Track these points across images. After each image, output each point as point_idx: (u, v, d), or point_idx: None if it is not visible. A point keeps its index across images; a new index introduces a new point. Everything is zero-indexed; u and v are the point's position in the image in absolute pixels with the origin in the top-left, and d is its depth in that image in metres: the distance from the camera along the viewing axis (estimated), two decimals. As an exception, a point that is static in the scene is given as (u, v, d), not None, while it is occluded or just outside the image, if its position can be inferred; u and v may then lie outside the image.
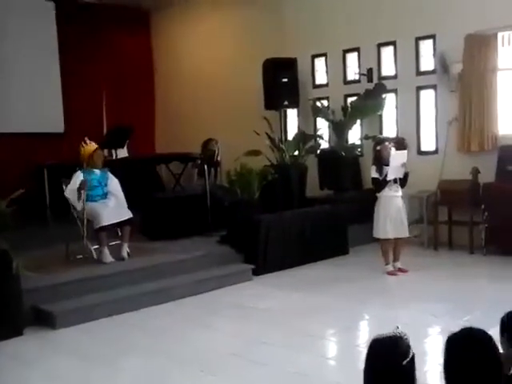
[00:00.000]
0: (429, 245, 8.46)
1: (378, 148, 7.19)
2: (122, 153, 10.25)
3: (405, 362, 2.30)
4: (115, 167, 7.78)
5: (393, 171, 7.00)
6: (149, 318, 5.89)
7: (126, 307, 6.01)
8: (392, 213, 7.09)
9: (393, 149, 7.21)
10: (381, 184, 7.09)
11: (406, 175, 7.11)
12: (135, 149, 10.86)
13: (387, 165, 7.02)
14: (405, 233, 7.23)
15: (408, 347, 2.35)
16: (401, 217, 7.15)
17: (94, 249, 6.85)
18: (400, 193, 7.18)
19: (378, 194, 7.18)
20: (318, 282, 7.04)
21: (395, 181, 7.08)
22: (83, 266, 6.68)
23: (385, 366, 2.33)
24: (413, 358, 2.34)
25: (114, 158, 9.92)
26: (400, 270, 7.25)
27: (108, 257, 6.76)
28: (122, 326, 5.66)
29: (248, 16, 11.03)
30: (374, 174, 7.14)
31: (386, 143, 7.23)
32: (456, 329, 4.59)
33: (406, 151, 7.39)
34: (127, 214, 6.96)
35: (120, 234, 7.17)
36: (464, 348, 2.27)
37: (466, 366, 2.23)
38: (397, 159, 7.00)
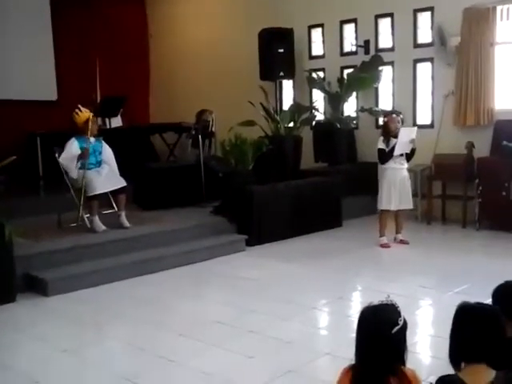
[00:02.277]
0: (422, 219, 8.48)
1: (386, 119, 7.19)
2: (116, 122, 10.17)
3: (394, 330, 2.31)
4: (109, 136, 7.73)
5: (400, 146, 6.99)
6: (140, 287, 5.90)
7: (118, 276, 6.01)
8: (396, 184, 7.11)
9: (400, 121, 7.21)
10: (386, 156, 7.08)
11: (413, 150, 7.12)
12: (129, 118, 10.78)
13: (395, 136, 7.00)
14: (409, 205, 7.25)
15: (398, 316, 2.36)
16: (405, 188, 7.17)
17: (87, 217, 6.83)
18: (406, 165, 7.19)
19: (382, 166, 7.19)
20: (310, 253, 7.06)
21: (401, 154, 7.08)
22: (76, 234, 6.65)
23: (375, 334, 2.34)
24: (404, 327, 2.36)
25: (107, 127, 9.84)
26: (401, 241, 7.29)
27: (100, 225, 6.74)
28: (112, 294, 5.68)
29: (245, -15, 10.87)
30: (381, 145, 7.13)
31: (394, 115, 7.21)
32: (449, 301, 4.62)
33: (415, 127, 7.38)
34: (121, 183, 6.94)
35: (114, 202, 7.16)
36: (473, 319, 2.30)
37: (472, 337, 2.26)
38: (405, 135, 6.99)
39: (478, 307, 2.38)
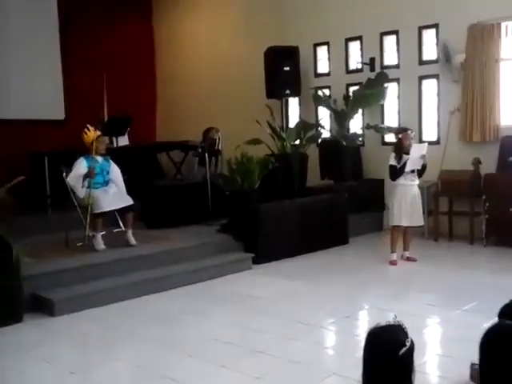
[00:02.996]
0: (429, 235, 8.44)
1: (400, 136, 7.18)
2: (123, 141, 10.23)
3: (402, 352, 2.30)
4: (116, 155, 7.78)
5: (411, 162, 7.00)
6: (147, 306, 5.90)
7: (125, 295, 6.01)
8: (407, 201, 7.09)
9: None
10: (397, 172, 7.08)
11: (424, 167, 7.12)
12: (136, 137, 10.83)
13: (407, 153, 7.01)
14: (419, 221, 7.24)
15: (406, 337, 2.35)
16: (416, 205, 7.15)
17: (91, 235, 6.85)
18: (417, 182, 7.18)
19: (393, 182, 7.19)
20: (317, 271, 7.04)
21: (412, 170, 7.08)
22: (83, 253, 6.68)
23: (382, 356, 2.33)
24: (411, 348, 2.34)
25: (114, 146, 9.89)
26: (409, 258, 7.27)
27: (100, 244, 6.76)
28: (120, 314, 5.67)
29: (250, 3, 10.96)
30: (392, 162, 7.13)
31: (409, 132, 7.20)
32: (457, 319, 4.57)
33: (426, 144, 7.39)
34: (128, 201, 6.98)
35: (120, 221, 7.19)
36: (503, 344, 2.26)
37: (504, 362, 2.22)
38: (416, 151, 7.00)
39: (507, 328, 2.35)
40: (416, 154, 6.99)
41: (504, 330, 2.32)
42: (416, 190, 7.19)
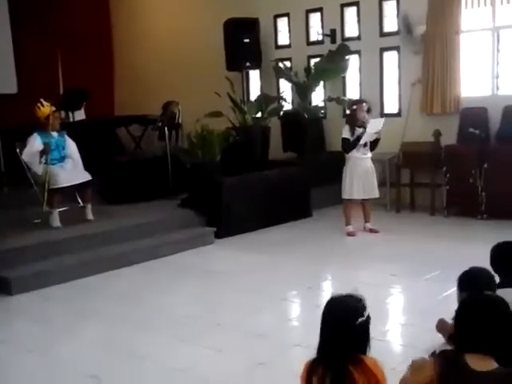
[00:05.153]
0: (391, 207, 8.48)
1: (355, 107, 7.13)
2: (80, 115, 9.97)
3: (359, 321, 2.31)
4: (72, 130, 7.58)
5: (367, 136, 6.98)
6: (108, 283, 5.79)
7: (85, 272, 5.89)
8: (359, 174, 7.09)
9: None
10: (350, 145, 7.05)
11: (376, 141, 7.10)
12: (94, 111, 10.57)
13: (360, 126, 6.97)
14: (373, 194, 7.23)
15: (364, 309, 2.36)
16: (369, 178, 7.15)
17: (48, 211, 6.67)
18: (369, 154, 7.17)
19: (346, 155, 7.15)
20: (280, 244, 7.01)
21: (365, 144, 7.06)
22: (40, 230, 6.50)
23: (339, 322, 2.37)
24: (368, 320, 2.36)
25: (71, 120, 9.64)
26: (371, 230, 7.28)
27: (56, 221, 6.60)
28: (80, 291, 5.56)
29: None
30: (346, 134, 7.09)
31: (364, 104, 7.15)
32: (419, 288, 4.62)
33: (383, 119, 7.36)
34: (86, 177, 6.83)
35: (78, 197, 7.04)
36: (478, 311, 2.28)
37: (480, 328, 2.23)
38: (374, 126, 6.98)
39: (486, 297, 2.39)
40: (373, 129, 6.98)
41: (478, 300, 2.36)
42: (369, 163, 7.18)
